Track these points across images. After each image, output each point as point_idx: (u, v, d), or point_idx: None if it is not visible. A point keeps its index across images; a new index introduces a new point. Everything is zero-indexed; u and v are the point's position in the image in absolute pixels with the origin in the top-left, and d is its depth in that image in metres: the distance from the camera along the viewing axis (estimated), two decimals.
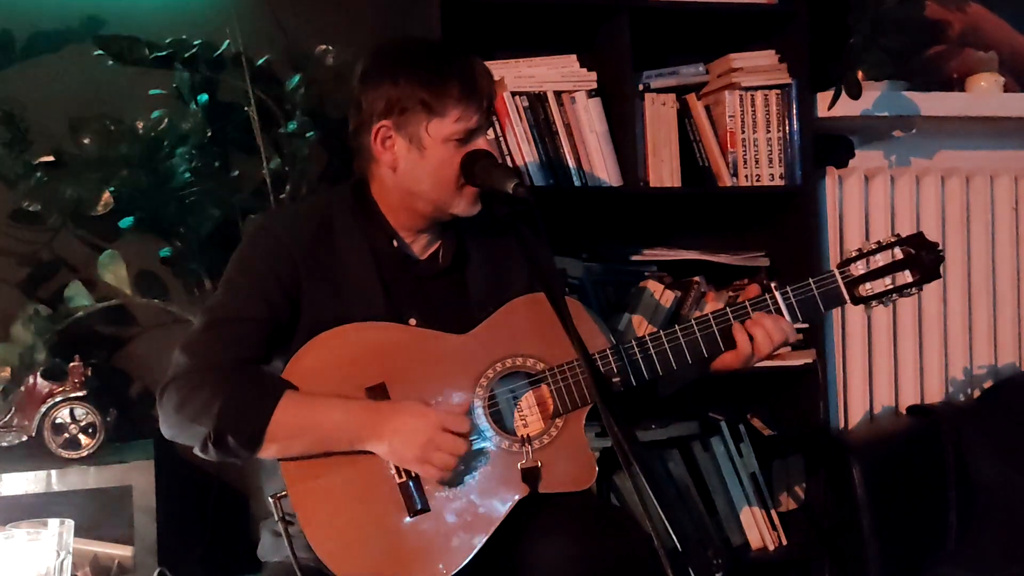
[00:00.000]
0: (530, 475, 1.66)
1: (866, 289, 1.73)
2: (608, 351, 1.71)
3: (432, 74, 1.70)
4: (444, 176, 1.71)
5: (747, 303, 1.74)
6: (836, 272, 1.73)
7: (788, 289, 1.74)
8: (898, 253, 1.72)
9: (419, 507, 1.62)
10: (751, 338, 1.71)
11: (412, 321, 1.73)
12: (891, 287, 1.72)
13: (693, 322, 1.73)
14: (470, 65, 1.74)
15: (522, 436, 1.69)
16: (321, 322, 1.67)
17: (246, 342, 1.66)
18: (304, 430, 1.61)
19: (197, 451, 1.63)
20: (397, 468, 1.63)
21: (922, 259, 1.72)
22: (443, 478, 1.62)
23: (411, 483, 1.63)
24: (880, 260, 1.72)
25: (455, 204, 1.73)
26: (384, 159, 1.75)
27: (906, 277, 1.72)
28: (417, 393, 1.65)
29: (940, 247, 1.74)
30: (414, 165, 1.73)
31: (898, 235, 1.74)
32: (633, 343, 1.73)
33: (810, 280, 1.74)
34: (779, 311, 1.73)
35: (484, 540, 1.62)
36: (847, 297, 1.73)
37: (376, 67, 1.75)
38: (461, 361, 1.70)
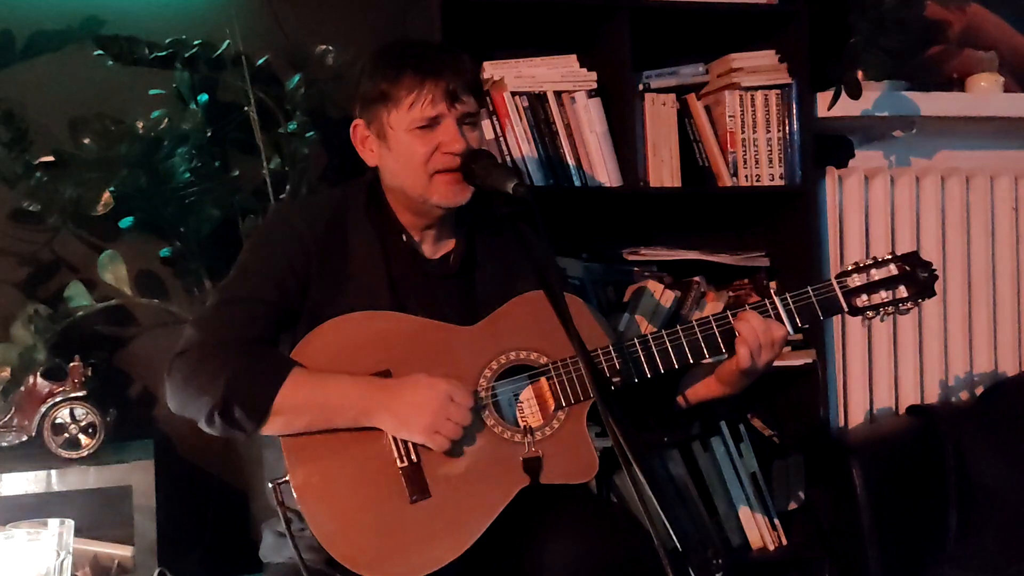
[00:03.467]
0: (531, 465, 1.67)
1: (863, 301, 1.76)
2: (609, 348, 1.72)
3: (389, 65, 1.73)
4: (410, 166, 1.72)
5: (747, 307, 1.75)
6: (834, 282, 1.76)
7: (787, 296, 1.76)
8: (893, 269, 1.76)
9: (420, 493, 1.62)
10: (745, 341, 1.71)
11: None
12: (888, 300, 1.76)
13: (694, 323, 1.74)
14: (429, 52, 1.76)
15: (524, 427, 1.70)
16: (326, 313, 1.69)
17: (256, 322, 1.68)
18: (311, 403, 1.62)
19: (202, 424, 1.64)
20: (399, 452, 1.63)
21: (916, 276, 1.75)
22: (449, 448, 1.62)
23: (412, 468, 1.63)
24: (876, 274, 1.76)
25: (431, 194, 1.73)
26: (366, 157, 1.80)
27: (901, 292, 1.76)
28: None
29: (934, 266, 1.77)
30: (386, 159, 1.77)
31: (893, 252, 1.78)
32: (635, 340, 1.73)
33: (808, 288, 1.76)
34: (778, 317, 1.74)
35: (484, 528, 1.62)
36: (845, 307, 1.76)
37: (359, 72, 1.81)
38: (465, 352, 1.71)
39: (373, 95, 1.74)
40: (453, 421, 1.60)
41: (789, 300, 1.75)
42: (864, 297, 1.75)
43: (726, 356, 1.75)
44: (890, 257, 1.77)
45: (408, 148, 1.72)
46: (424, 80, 1.69)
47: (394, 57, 1.75)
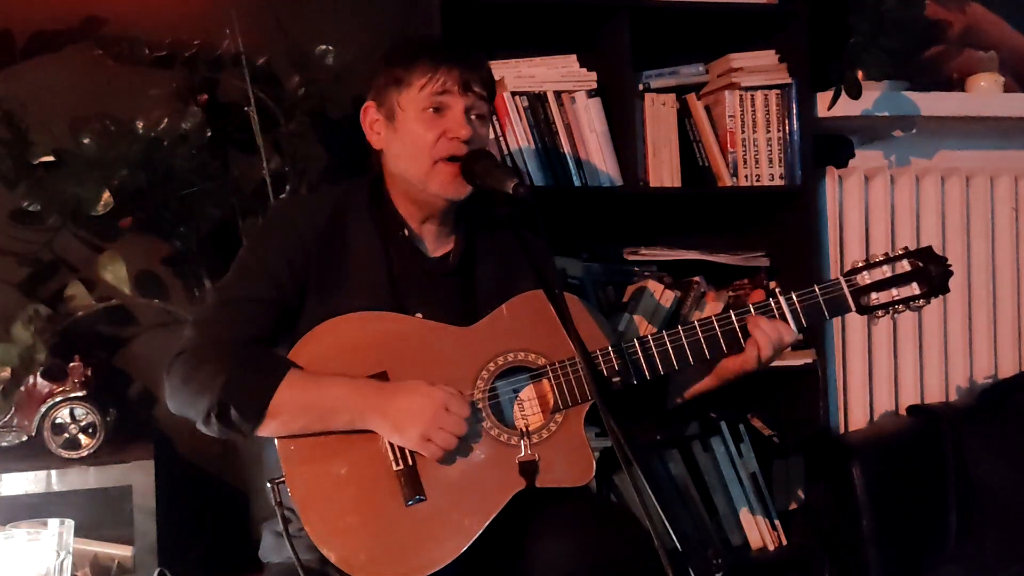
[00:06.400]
0: (528, 468, 1.66)
1: (872, 299, 1.72)
2: (609, 349, 1.72)
3: (405, 53, 1.77)
4: (414, 150, 1.74)
5: (751, 307, 1.74)
6: (842, 280, 1.73)
7: (793, 295, 1.73)
8: (905, 265, 1.72)
9: (415, 495, 1.62)
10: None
11: (418, 315, 1.73)
12: (897, 298, 1.72)
13: (696, 323, 1.73)
14: (443, 42, 1.83)
15: (520, 429, 1.69)
16: (326, 311, 1.69)
17: (254, 322, 1.68)
18: (308, 405, 1.62)
19: (200, 425, 1.64)
20: (395, 455, 1.63)
21: (930, 272, 1.71)
22: (441, 457, 1.62)
23: (408, 471, 1.63)
24: (887, 271, 1.72)
25: (430, 182, 1.74)
26: (372, 140, 1.82)
27: (913, 289, 1.72)
28: None
29: (948, 261, 1.73)
30: (392, 141, 1.78)
31: (906, 248, 1.74)
32: (635, 342, 1.73)
33: (815, 287, 1.73)
34: (783, 316, 1.72)
35: (480, 531, 1.62)
36: (852, 306, 1.72)
37: (373, 68, 1.83)
38: (463, 353, 1.70)
39: (387, 79, 1.77)
40: (447, 431, 1.60)
41: (795, 299, 1.73)
42: (873, 295, 1.71)
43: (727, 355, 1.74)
44: (902, 253, 1.72)
45: (414, 131, 1.73)
46: (439, 66, 1.72)
47: (411, 46, 1.79)
